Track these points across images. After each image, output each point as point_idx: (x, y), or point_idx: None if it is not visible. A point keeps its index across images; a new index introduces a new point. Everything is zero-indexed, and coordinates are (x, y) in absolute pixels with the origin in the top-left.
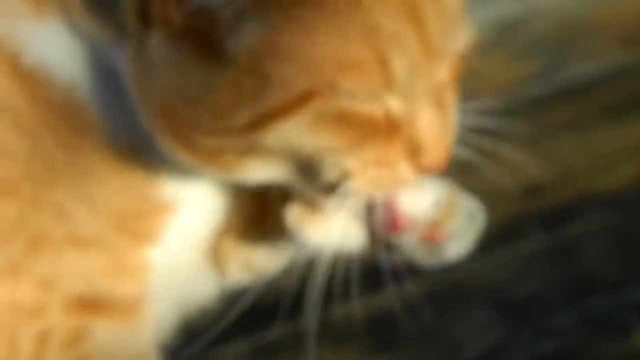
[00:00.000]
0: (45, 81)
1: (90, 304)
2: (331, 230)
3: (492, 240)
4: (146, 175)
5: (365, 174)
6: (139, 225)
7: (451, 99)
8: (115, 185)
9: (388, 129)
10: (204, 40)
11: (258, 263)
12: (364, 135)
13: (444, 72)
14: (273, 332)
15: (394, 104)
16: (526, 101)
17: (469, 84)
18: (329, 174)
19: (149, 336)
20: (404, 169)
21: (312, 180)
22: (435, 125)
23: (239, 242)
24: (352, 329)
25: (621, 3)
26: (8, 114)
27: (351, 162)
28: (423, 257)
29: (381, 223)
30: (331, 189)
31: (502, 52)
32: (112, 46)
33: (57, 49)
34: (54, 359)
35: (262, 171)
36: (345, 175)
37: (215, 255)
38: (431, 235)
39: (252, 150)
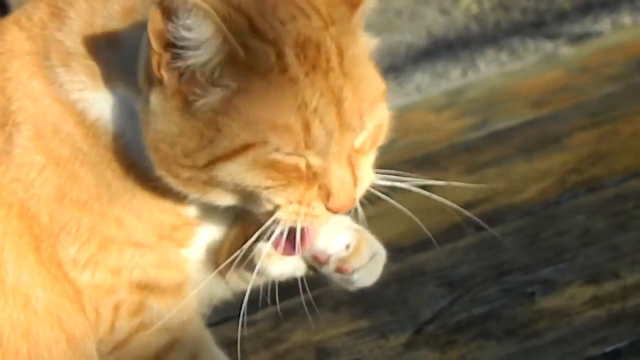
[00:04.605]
0: (101, 131)
1: (146, 287)
2: (284, 266)
3: (441, 238)
4: (176, 199)
5: (289, 208)
6: (174, 234)
7: (364, 161)
8: (154, 205)
9: (308, 177)
10: (184, 99)
11: (248, 277)
12: (289, 180)
13: (356, 141)
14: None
15: (313, 159)
16: (465, 145)
17: (427, 134)
18: (265, 205)
19: (192, 309)
20: (318, 207)
21: (256, 208)
22: (343, 180)
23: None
24: (345, 299)
25: (529, 76)
26: (79, 154)
27: (279, 199)
28: (338, 283)
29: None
30: (267, 215)
31: (449, 112)
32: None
33: (107, 108)
34: (124, 322)
35: (220, 197)
36: (275, 207)
37: (218, 271)
38: (340, 269)
39: (210, 183)
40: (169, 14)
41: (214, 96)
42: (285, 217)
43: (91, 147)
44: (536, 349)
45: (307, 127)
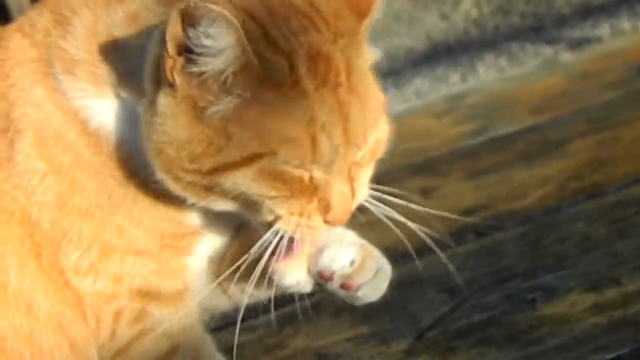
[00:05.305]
0: (103, 139)
1: (147, 294)
2: (298, 273)
3: (442, 244)
4: (177, 207)
5: (290, 219)
6: (176, 242)
7: (362, 174)
8: (156, 214)
9: (310, 190)
10: (195, 104)
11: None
12: (292, 192)
13: (358, 156)
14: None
15: (317, 173)
16: (465, 151)
17: (427, 139)
18: (266, 215)
19: (193, 315)
20: (316, 220)
21: (256, 217)
22: (343, 194)
23: (234, 275)
24: (345, 305)
25: (529, 82)
26: (81, 162)
27: (281, 210)
28: (344, 298)
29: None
30: (266, 225)
31: (448, 117)
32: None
33: (110, 116)
34: (125, 329)
35: (220, 203)
36: (276, 218)
37: (219, 282)
38: (345, 285)
39: (212, 188)
40: (191, 20)
41: (227, 104)
42: (286, 228)
43: (93, 155)
44: (537, 355)
45: (314, 142)
